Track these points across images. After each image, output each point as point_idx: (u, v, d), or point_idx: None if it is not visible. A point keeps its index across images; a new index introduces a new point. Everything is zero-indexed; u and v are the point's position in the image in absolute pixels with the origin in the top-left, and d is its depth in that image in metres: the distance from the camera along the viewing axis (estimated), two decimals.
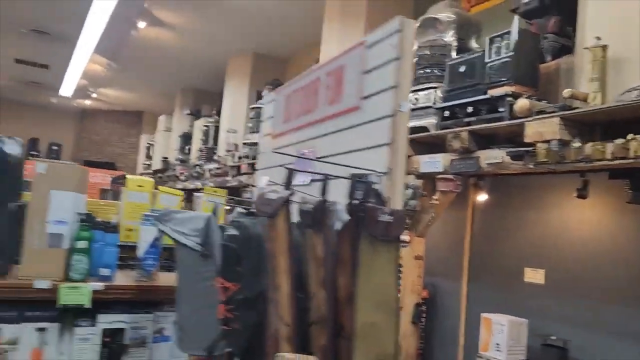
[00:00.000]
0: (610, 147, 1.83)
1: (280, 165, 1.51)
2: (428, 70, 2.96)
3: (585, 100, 2.02)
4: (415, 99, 2.86)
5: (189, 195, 3.51)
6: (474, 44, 3.21)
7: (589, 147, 1.93)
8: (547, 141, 2.06)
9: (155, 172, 8.03)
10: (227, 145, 5.65)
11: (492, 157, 2.35)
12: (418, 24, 3.14)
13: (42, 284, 1.39)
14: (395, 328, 0.88)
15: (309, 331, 0.88)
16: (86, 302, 1.43)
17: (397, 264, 0.89)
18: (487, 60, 2.47)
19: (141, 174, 8.75)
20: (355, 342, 0.84)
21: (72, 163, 1.52)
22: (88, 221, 1.50)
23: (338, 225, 0.84)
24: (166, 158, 7.76)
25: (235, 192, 4.75)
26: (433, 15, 3.14)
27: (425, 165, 2.64)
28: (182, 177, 6.57)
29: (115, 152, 10.91)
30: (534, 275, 2.78)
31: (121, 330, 1.52)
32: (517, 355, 2.54)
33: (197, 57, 6.61)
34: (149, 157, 9.00)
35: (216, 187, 5.48)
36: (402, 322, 2.74)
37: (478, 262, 3.14)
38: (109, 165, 9.98)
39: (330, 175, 0.89)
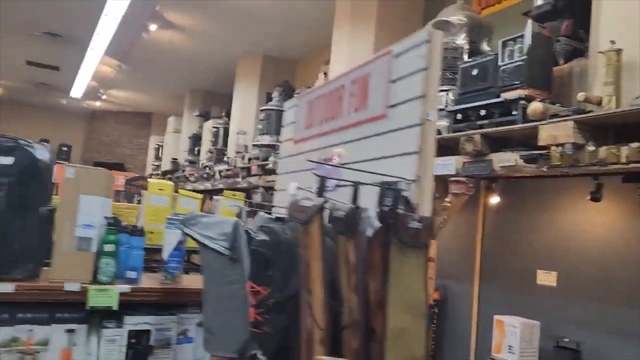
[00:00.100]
0: (625, 151, 1.84)
1: (303, 170, 1.54)
2: (440, 73, 2.98)
3: (599, 104, 2.03)
4: None
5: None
6: (485, 46, 3.23)
7: (603, 151, 1.95)
8: (561, 144, 2.07)
9: (165, 173, 8.09)
10: (236, 147, 5.68)
11: (505, 160, 2.36)
12: (429, 27, 3.16)
13: (72, 286, 1.43)
14: (425, 332, 0.90)
15: (341, 335, 0.91)
16: (114, 304, 1.47)
17: (426, 269, 0.92)
18: (500, 63, 2.48)
19: (150, 175, 8.82)
20: (386, 346, 0.87)
21: (99, 168, 1.56)
22: (115, 225, 1.53)
23: (369, 232, 0.87)
24: (175, 159, 7.81)
25: (245, 194, 4.78)
26: (445, 18, 3.16)
27: (438, 167, 2.65)
28: (191, 179, 6.62)
29: (125, 153, 11.00)
30: (547, 278, 2.79)
31: (147, 331, 1.56)
32: (530, 358, 2.55)
33: (206, 59, 6.66)
34: (158, 158, 9.07)
35: (226, 188, 5.54)
36: None
37: (490, 264, 3.15)
38: (118, 166, 10.06)
39: (361, 183, 0.92)
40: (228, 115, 6.51)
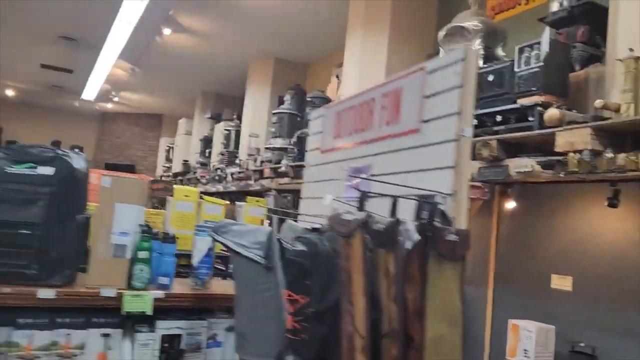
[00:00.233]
0: None
1: (332, 180, 1.58)
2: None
3: (617, 110, 2.05)
4: None
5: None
6: (500, 52, 3.25)
7: (621, 158, 1.97)
8: (579, 151, 2.09)
9: (175, 175, 8.16)
10: (248, 150, 5.73)
11: (521, 165, 2.38)
12: (444, 33, 3.18)
13: (109, 292, 1.48)
14: (460, 339, 0.94)
15: (380, 343, 0.95)
16: (148, 309, 1.51)
17: (462, 280, 0.95)
18: (516, 69, 2.50)
19: (160, 177, 8.89)
20: (425, 354, 0.91)
21: (134, 177, 1.61)
22: (148, 232, 1.58)
23: (408, 244, 0.90)
24: (187, 161, 7.88)
25: (258, 196, 4.81)
26: (460, 24, 3.19)
27: None
28: (203, 180, 6.67)
29: (136, 155, 11.09)
30: (562, 282, 2.80)
31: (178, 336, 1.60)
32: None
33: (218, 62, 6.71)
34: (168, 159, 9.14)
35: (239, 190, 5.59)
36: None
37: (504, 268, 3.17)
38: (129, 168, 10.16)
39: (400, 196, 0.96)
40: (239, 117, 6.56)
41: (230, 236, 1.42)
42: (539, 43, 2.41)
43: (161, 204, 2.27)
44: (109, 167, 9.90)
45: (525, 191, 3.04)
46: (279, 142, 4.95)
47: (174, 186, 2.02)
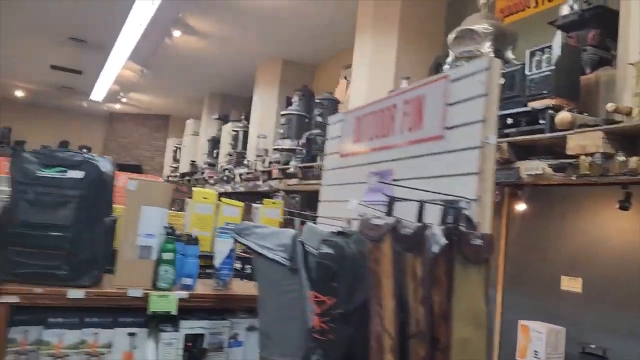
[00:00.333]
0: None
1: (352, 183, 1.62)
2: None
3: (628, 114, 2.07)
4: None
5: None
6: (510, 54, 3.27)
7: (633, 161, 1.99)
8: (590, 154, 2.12)
9: (183, 175, 8.21)
10: (257, 151, 5.77)
11: (532, 168, 2.40)
12: (454, 35, 3.21)
13: (136, 292, 1.53)
14: (485, 341, 0.97)
15: (407, 343, 0.98)
16: (173, 309, 1.56)
17: (487, 283, 0.98)
18: (527, 72, 2.53)
19: (168, 177, 8.95)
20: (451, 355, 0.94)
21: (159, 181, 1.65)
22: (172, 234, 1.62)
23: (435, 248, 0.94)
24: (194, 161, 7.93)
25: (266, 197, 4.86)
26: (470, 27, 3.21)
27: None
28: (211, 181, 6.72)
29: (143, 155, 11.16)
30: (572, 284, 2.82)
31: (201, 335, 1.64)
32: None
33: (226, 63, 6.75)
34: (175, 160, 9.19)
35: (247, 191, 5.63)
36: None
37: (514, 270, 3.19)
38: (136, 168, 10.23)
39: (427, 201, 0.99)
40: (247, 118, 6.60)
41: (253, 238, 1.46)
42: (550, 46, 2.44)
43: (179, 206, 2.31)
44: (116, 167, 9.94)
45: (536, 193, 3.06)
46: (287, 143, 4.98)
47: (193, 189, 2.06)
